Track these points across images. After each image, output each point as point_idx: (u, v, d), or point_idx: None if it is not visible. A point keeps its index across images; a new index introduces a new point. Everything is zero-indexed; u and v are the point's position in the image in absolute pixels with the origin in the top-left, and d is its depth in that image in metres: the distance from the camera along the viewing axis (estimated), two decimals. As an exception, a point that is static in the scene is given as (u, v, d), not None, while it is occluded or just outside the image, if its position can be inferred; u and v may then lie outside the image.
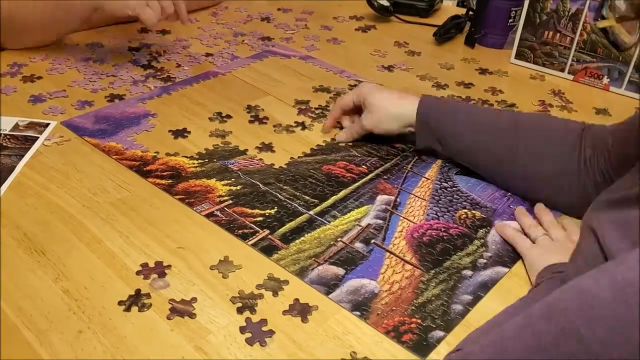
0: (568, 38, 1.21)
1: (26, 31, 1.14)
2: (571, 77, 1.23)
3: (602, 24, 0.55)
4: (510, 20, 1.34)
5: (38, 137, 0.91)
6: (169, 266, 0.70)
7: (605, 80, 1.19)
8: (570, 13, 1.19)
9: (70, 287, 0.66)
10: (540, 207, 0.83)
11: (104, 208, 0.78)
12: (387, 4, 1.47)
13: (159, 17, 1.05)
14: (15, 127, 0.93)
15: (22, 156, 0.87)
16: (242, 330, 0.63)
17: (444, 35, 1.38)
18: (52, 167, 0.85)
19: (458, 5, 1.65)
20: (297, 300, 0.67)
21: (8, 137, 0.91)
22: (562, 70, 1.24)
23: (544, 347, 0.44)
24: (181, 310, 0.64)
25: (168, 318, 0.64)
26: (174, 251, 0.72)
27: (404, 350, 0.62)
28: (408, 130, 0.93)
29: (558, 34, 1.23)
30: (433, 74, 1.22)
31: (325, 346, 0.62)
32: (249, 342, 0.61)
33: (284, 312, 0.65)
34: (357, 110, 0.97)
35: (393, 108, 0.92)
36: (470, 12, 1.40)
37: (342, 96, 0.99)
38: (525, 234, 0.78)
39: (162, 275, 0.69)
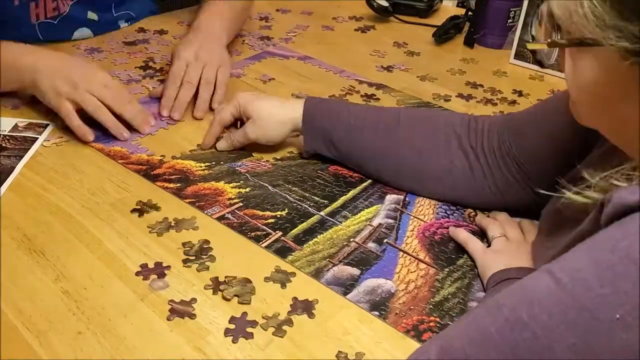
0: (567, 38, 1.21)
1: None
2: (570, 77, 1.23)
3: (532, 45, 0.57)
4: (510, 21, 1.34)
5: (37, 138, 0.91)
6: (168, 267, 0.70)
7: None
8: (569, 13, 1.19)
9: (70, 288, 0.66)
10: (495, 212, 0.82)
11: (103, 209, 0.78)
12: (386, 4, 1.47)
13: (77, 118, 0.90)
14: (15, 127, 0.93)
15: (22, 157, 0.87)
16: (231, 321, 0.63)
17: (443, 35, 1.38)
18: (52, 168, 0.85)
19: (457, 5, 1.65)
20: (295, 299, 0.67)
21: (7, 137, 0.91)
22: (562, 70, 1.24)
23: (489, 339, 0.44)
24: (181, 311, 0.64)
25: (168, 319, 0.64)
26: (173, 252, 0.72)
27: (402, 352, 0.62)
28: (295, 134, 0.90)
29: (557, 34, 1.22)
30: (433, 75, 1.22)
31: (324, 347, 0.62)
32: (234, 335, 0.62)
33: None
34: (235, 123, 0.93)
35: (278, 114, 0.88)
36: (470, 13, 1.41)
37: (218, 111, 0.92)
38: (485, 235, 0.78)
39: (161, 275, 0.69)
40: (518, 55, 1.29)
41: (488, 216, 0.82)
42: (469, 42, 1.37)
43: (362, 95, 1.12)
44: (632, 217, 0.42)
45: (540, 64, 0.59)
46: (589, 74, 0.50)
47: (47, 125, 0.94)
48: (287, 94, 1.10)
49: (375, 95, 1.13)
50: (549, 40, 0.53)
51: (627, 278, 0.38)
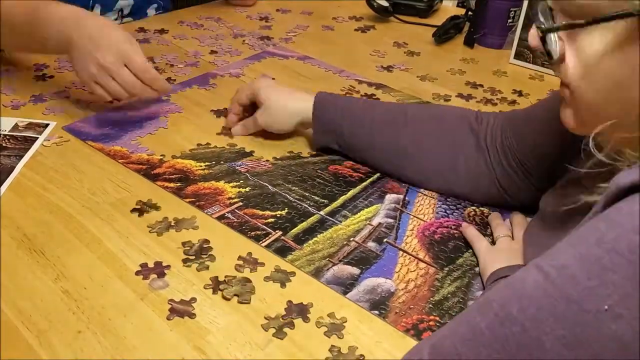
0: (567, 38, 1.21)
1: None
2: (570, 77, 1.23)
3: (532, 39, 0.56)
4: (510, 21, 1.35)
5: (37, 138, 0.91)
6: (168, 266, 0.70)
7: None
8: (569, 13, 1.20)
9: (70, 288, 0.66)
10: (514, 212, 0.82)
11: (103, 208, 0.78)
12: (386, 4, 1.47)
13: (112, 97, 0.94)
14: (15, 127, 0.93)
15: (22, 157, 0.87)
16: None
17: (443, 35, 1.38)
18: (52, 168, 0.85)
19: (457, 5, 1.65)
20: (290, 302, 0.67)
21: (7, 137, 0.91)
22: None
23: (479, 335, 0.44)
24: (181, 310, 0.64)
25: (167, 318, 0.64)
26: (173, 251, 0.72)
27: (402, 352, 0.62)
28: (304, 127, 0.94)
29: (557, 34, 1.23)
30: (432, 74, 1.22)
31: (324, 346, 0.62)
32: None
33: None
34: (252, 105, 0.96)
35: (288, 104, 0.91)
36: (470, 13, 1.41)
37: (237, 91, 0.97)
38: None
39: (161, 275, 0.69)
40: (518, 55, 1.29)
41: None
42: (469, 42, 1.37)
43: (362, 95, 1.12)
44: (615, 207, 0.41)
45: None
46: (599, 52, 0.48)
47: (48, 125, 0.94)
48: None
49: (375, 95, 1.13)
50: (562, 23, 0.50)
51: (614, 270, 0.38)
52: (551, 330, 0.40)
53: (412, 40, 1.38)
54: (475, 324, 0.45)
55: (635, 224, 0.39)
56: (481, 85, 1.20)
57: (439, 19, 1.46)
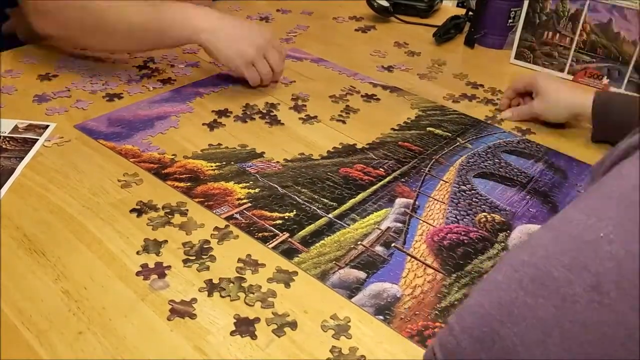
0: (567, 38, 1.22)
1: (113, 37, 1.04)
2: (571, 77, 1.23)
3: None
4: (510, 21, 1.34)
5: (37, 139, 0.91)
6: (168, 267, 0.70)
7: (605, 80, 1.19)
8: (569, 13, 1.20)
9: (70, 288, 0.66)
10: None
11: (104, 208, 0.78)
12: (386, 4, 1.47)
13: (260, 80, 1.08)
14: (15, 129, 0.93)
15: (22, 158, 0.87)
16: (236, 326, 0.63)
17: (443, 35, 1.38)
18: (52, 168, 0.85)
19: (458, 5, 1.65)
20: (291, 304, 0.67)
21: (7, 139, 0.91)
22: (562, 70, 1.24)
23: (498, 284, 0.46)
24: (181, 310, 0.64)
25: (168, 319, 0.63)
26: (173, 251, 0.72)
27: (403, 352, 0.62)
28: (575, 119, 1.03)
29: (557, 35, 1.23)
30: (433, 74, 1.22)
31: (325, 347, 0.62)
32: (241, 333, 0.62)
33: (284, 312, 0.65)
34: (524, 95, 1.07)
35: (567, 98, 1.00)
36: (470, 13, 1.41)
37: (515, 80, 1.08)
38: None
39: (162, 275, 0.69)
40: (518, 56, 1.29)
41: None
42: (470, 42, 1.37)
43: (362, 95, 1.12)
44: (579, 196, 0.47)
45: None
46: None
47: (48, 126, 0.94)
48: (288, 94, 1.10)
49: (375, 95, 1.13)
50: None
51: (607, 208, 0.44)
52: (558, 262, 0.44)
53: (412, 40, 1.38)
54: (493, 278, 0.48)
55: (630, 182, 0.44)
56: (482, 85, 1.19)
57: (439, 19, 1.46)
